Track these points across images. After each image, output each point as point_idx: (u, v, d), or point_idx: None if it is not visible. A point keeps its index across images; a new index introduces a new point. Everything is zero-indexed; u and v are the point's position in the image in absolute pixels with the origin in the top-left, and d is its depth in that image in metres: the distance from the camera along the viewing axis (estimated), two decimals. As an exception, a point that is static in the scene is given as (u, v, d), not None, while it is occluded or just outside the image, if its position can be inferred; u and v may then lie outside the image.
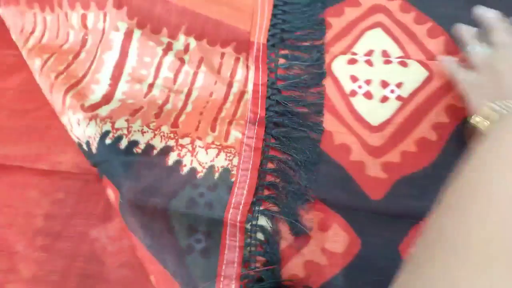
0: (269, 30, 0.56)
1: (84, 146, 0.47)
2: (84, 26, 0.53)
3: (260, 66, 0.53)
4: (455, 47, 0.53)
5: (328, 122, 0.50)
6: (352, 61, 0.53)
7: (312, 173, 0.47)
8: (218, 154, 0.47)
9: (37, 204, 0.49)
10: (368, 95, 0.51)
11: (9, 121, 0.55)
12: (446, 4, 0.56)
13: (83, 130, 0.47)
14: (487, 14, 0.47)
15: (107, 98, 0.49)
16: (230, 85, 0.52)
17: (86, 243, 0.46)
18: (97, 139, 0.46)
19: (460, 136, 0.47)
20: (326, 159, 0.48)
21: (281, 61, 0.54)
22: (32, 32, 0.55)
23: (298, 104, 0.51)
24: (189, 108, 0.51)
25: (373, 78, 0.52)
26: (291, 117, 0.50)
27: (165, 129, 0.49)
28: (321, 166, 0.47)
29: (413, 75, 0.52)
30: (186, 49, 0.54)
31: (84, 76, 0.50)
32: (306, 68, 0.53)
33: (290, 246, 0.43)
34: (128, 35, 0.52)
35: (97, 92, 0.49)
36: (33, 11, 0.56)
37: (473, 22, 0.52)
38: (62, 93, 0.49)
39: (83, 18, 0.54)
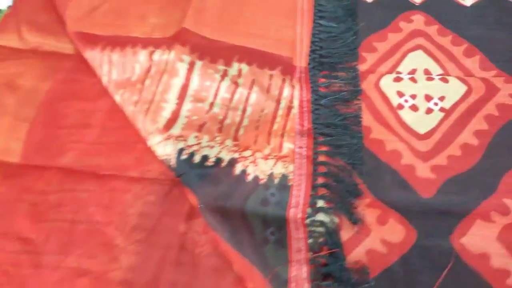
0: (309, 55, 0.64)
1: (166, 162, 0.56)
2: (150, 59, 0.63)
3: (304, 85, 0.61)
4: (490, 64, 0.60)
5: (379, 131, 0.57)
6: (398, 79, 0.61)
7: (360, 172, 0.54)
8: (275, 164, 0.55)
9: (132, 205, 0.57)
10: (414, 108, 0.58)
11: (100, 138, 0.64)
12: (479, 27, 0.64)
13: (162, 149, 0.56)
14: None
15: (175, 114, 0.58)
16: (278, 102, 0.61)
17: (176, 237, 0.54)
18: (175, 155, 0.55)
19: (499, 142, 0.53)
20: (380, 163, 0.55)
21: (321, 80, 0.62)
22: (101, 70, 0.65)
23: (339, 116, 0.58)
24: (245, 122, 0.59)
25: (417, 93, 0.59)
26: (335, 128, 0.57)
27: (228, 143, 0.57)
28: (375, 170, 0.54)
29: (453, 89, 0.59)
30: (239, 73, 0.62)
31: (152, 98, 0.60)
32: (344, 86, 0.61)
33: (352, 238, 0.50)
34: (191, 65, 0.62)
35: (167, 109, 0.58)
36: (103, 53, 0.66)
37: (504, 41, 0.60)
38: (141, 120, 0.58)
39: (151, 53, 0.64)
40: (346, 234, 0.50)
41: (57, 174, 0.61)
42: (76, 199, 0.59)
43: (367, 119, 0.59)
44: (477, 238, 0.48)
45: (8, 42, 0.76)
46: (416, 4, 0.68)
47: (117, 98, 0.63)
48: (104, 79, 0.65)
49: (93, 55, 0.66)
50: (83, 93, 0.68)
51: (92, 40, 0.67)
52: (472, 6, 0.67)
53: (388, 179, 0.53)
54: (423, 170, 0.53)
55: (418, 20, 0.66)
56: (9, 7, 0.80)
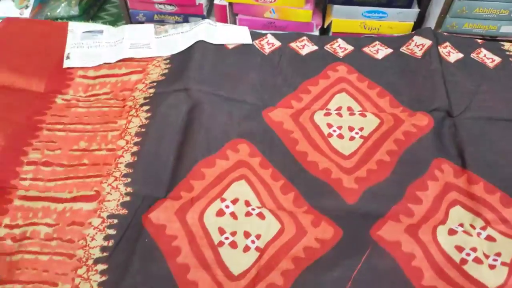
0: None
1: None
2: None
3: None
4: (397, 103, 0.77)
5: (314, 155, 0.70)
6: (327, 114, 0.76)
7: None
8: None
9: None
10: (340, 136, 0.73)
11: None
12: (388, 75, 0.82)
13: None
14: None
15: None
16: None
17: None
18: None
19: (405, 159, 0.68)
20: (315, 179, 0.67)
21: None
22: None
23: None
24: None
25: (343, 125, 0.74)
26: None
27: None
28: (311, 184, 0.66)
29: (370, 122, 0.74)
30: None
31: None
32: None
33: (292, 238, 0.61)
34: None
35: None
36: None
37: (406, 86, 0.77)
38: None
39: None
40: (287, 235, 0.61)
41: None
42: None
43: (304, 145, 0.72)
44: (386, 232, 0.60)
45: None
46: (340, 57, 0.85)
47: None
48: None
49: None
50: None
51: None
52: (383, 59, 0.85)
53: (321, 190, 0.66)
54: (348, 182, 0.66)
55: (342, 69, 0.83)
56: None
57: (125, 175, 0.67)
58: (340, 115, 0.76)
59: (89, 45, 0.87)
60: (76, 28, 0.91)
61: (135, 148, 0.70)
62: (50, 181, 0.67)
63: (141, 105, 0.76)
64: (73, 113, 0.76)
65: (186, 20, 1.01)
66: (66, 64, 0.84)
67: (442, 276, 0.57)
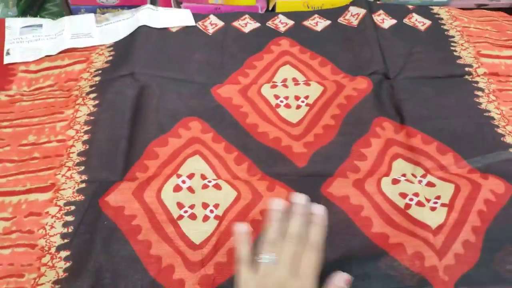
0: None
1: None
2: None
3: None
4: (338, 70, 0.81)
5: (264, 126, 0.73)
6: (274, 86, 0.79)
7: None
8: None
9: None
10: (287, 106, 0.76)
11: None
12: (328, 45, 0.86)
13: None
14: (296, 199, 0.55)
15: None
16: None
17: None
18: None
19: (348, 121, 0.72)
20: (267, 148, 0.70)
21: None
22: None
23: None
24: None
25: (289, 95, 0.77)
26: None
27: None
28: (263, 153, 0.69)
29: (314, 90, 0.78)
30: None
31: None
32: None
33: (249, 203, 0.63)
34: None
35: None
36: None
37: (346, 54, 0.81)
38: None
39: None
40: (244, 201, 0.64)
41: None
42: None
43: (254, 118, 0.74)
44: (335, 188, 0.64)
45: None
46: (282, 32, 0.88)
47: None
48: None
49: None
50: None
51: None
52: (322, 30, 0.89)
53: (272, 158, 0.69)
54: (297, 147, 0.70)
55: (284, 43, 0.86)
56: None
57: (78, 164, 0.67)
58: (286, 86, 0.79)
59: (29, 40, 0.86)
60: (13, 24, 0.89)
61: (85, 137, 0.70)
62: (1, 178, 0.66)
63: (88, 94, 0.75)
64: (18, 108, 0.75)
65: (129, 12, 1.01)
66: (7, 60, 0.82)
67: (389, 222, 0.61)
